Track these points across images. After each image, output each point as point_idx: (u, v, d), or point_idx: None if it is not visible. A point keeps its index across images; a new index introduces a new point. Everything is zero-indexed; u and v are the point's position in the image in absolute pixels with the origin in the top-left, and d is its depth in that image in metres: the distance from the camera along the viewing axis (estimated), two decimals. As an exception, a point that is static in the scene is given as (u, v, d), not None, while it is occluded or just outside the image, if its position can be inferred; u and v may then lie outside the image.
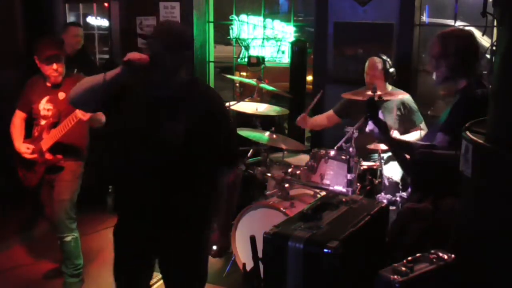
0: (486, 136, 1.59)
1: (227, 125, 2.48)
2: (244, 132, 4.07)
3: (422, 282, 1.69)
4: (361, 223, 2.19)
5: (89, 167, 3.79)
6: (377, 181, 3.66)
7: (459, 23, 4.82)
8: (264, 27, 5.91)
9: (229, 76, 5.23)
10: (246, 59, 5.64)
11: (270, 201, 3.63)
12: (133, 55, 2.27)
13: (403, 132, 4.00)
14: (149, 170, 2.40)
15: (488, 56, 2.46)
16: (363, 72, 4.14)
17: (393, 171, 3.83)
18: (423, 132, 3.86)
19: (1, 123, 3.86)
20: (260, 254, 2.19)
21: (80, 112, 3.33)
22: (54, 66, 3.50)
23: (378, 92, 3.64)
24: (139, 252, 2.63)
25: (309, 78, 5.32)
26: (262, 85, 4.32)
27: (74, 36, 5.17)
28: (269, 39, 5.98)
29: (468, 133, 1.65)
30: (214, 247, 2.61)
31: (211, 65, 5.93)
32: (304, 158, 4.08)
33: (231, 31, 6.08)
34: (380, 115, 2.76)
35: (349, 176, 3.44)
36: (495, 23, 1.74)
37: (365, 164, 3.74)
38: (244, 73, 7.30)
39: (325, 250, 1.95)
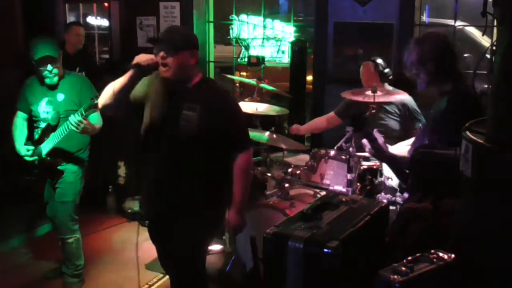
0: (486, 136, 1.59)
1: (236, 115, 2.72)
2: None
3: (422, 282, 1.69)
4: (361, 223, 2.19)
5: (90, 168, 3.79)
6: (377, 181, 3.65)
7: (459, 23, 4.82)
8: (264, 27, 5.91)
9: (229, 76, 5.23)
10: (246, 59, 5.64)
11: (270, 201, 3.63)
12: (140, 57, 2.52)
13: (404, 133, 3.99)
14: (167, 156, 2.65)
15: (488, 56, 2.45)
16: (361, 74, 4.15)
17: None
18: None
19: (1, 123, 3.86)
20: (260, 254, 2.19)
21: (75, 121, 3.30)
22: (49, 67, 3.42)
23: (378, 93, 3.66)
24: (158, 239, 2.90)
25: (309, 78, 5.32)
26: (262, 85, 4.31)
27: (76, 35, 5.18)
28: (269, 39, 5.98)
29: (468, 133, 1.65)
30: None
31: (211, 65, 5.93)
32: (304, 158, 4.08)
33: (231, 31, 6.08)
34: (376, 134, 2.74)
35: (349, 176, 3.44)
36: (495, 23, 1.74)
37: (365, 164, 3.73)
38: (244, 73, 7.30)
39: (325, 250, 1.95)
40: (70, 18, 6.51)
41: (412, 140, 3.93)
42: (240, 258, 3.68)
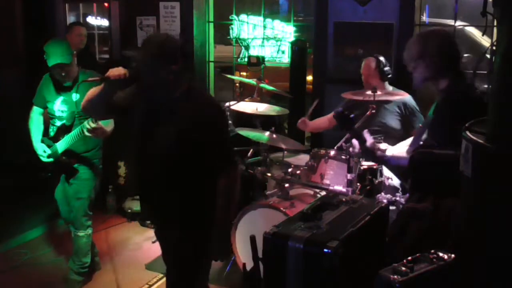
0: (486, 136, 1.59)
1: (218, 132, 2.55)
2: (244, 132, 4.07)
3: (422, 282, 1.69)
4: (361, 223, 2.19)
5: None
6: (377, 181, 3.65)
7: (459, 23, 4.82)
8: (264, 27, 5.91)
9: (229, 76, 5.23)
10: (246, 59, 5.64)
11: (270, 201, 3.63)
12: (112, 72, 2.45)
13: (404, 133, 3.99)
14: (150, 172, 2.59)
15: (488, 56, 2.45)
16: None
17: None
18: (424, 134, 3.84)
19: (2, 123, 3.87)
20: (260, 254, 2.19)
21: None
22: (62, 73, 3.51)
23: (378, 92, 3.66)
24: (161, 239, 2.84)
25: (309, 78, 5.32)
26: (262, 85, 4.31)
27: (78, 35, 5.19)
28: (269, 39, 5.98)
29: (468, 133, 1.65)
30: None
31: (211, 65, 5.92)
32: (304, 158, 4.08)
33: (231, 31, 6.08)
34: (366, 136, 2.74)
35: (349, 176, 3.44)
36: (495, 23, 1.74)
37: (365, 164, 3.73)
38: (244, 73, 7.30)
39: (325, 250, 1.95)
40: (70, 18, 6.50)
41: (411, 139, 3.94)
42: (240, 258, 3.68)
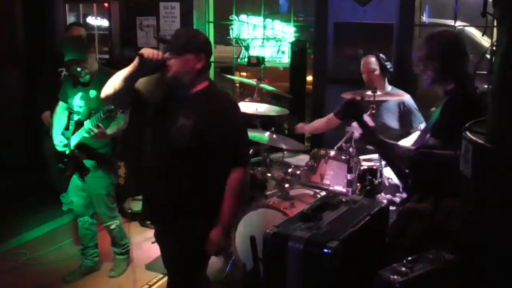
0: (486, 136, 1.59)
1: (235, 129, 2.58)
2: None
3: (422, 282, 1.69)
4: (361, 223, 2.19)
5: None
6: (377, 181, 3.65)
7: (459, 23, 4.82)
8: (264, 27, 5.91)
9: (229, 76, 5.23)
10: (246, 60, 5.64)
11: (270, 201, 3.63)
12: (146, 50, 2.47)
13: (403, 132, 3.99)
14: (161, 163, 2.59)
15: (488, 56, 2.45)
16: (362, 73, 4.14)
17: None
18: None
19: (2, 123, 3.87)
20: (260, 254, 2.19)
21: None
22: (78, 69, 3.57)
23: (378, 92, 3.66)
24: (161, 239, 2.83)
25: (309, 78, 5.32)
26: (262, 85, 4.31)
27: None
28: (269, 39, 5.98)
29: (468, 133, 1.65)
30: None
31: (211, 65, 5.92)
32: (304, 158, 4.08)
33: (231, 31, 6.08)
34: (366, 118, 2.70)
35: (349, 176, 3.44)
36: (495, 23, 1.74)
37: (365, 164, 3.73)
38: (244, 74, 7.30)
39: (325, 250, 1.95)
40: (70, 18, 6.50)
41: (410, 138, 3.95)
42: (240, 258, 3.68)
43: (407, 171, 2.67)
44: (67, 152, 3.73)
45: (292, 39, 5.75)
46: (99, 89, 3.56)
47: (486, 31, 2.21)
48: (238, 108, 2.72)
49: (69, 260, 4.15)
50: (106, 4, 6.20)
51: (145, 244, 4.53)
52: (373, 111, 3.64)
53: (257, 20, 5.98)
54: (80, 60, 3.55)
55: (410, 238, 2.37)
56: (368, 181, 3.68)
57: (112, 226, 3.90)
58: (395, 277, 1.66)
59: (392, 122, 4.01)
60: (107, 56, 6.36)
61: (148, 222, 4.85)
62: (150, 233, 4.71)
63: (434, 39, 2.57)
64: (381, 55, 4.07)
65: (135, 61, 2.49)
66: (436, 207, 2.33)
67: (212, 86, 2.65)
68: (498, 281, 1.55)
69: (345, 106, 2.79)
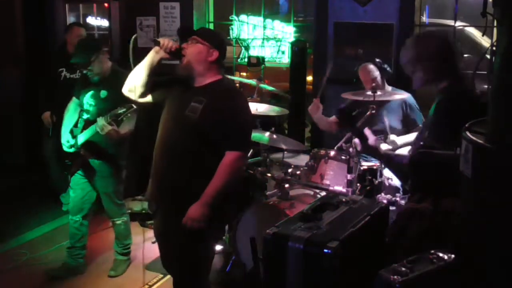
0: (486, 136, 1.59)
1: (240, 115, 2.67)
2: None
3: (422, 282, 1.69)
4: (361, 223, 2.19)
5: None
6: (377, 181, 3.65)
7: (459, 23, 4.82)
8: (264, 27, 5.91)
9: (229, 76, 5.23)
10: (246, 60, 5.64)
11: (270, 201, 3.62)
12: (162, 39, 2.65)
13: (405, 131, 3.99)
14: (173, 147, 2.68)
15: (488, 56, 2.45)
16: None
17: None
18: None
19: (2, 123, 3.87)
20: (260, 254, 2.19)
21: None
22: (84, 71, 3.63)
23: (378, 92, 3.66)
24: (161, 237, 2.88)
25: (309, 78, 5.32)
26: (262, 85, 4.31)
27: (76, 36, 5.18)
28: (269, 39, 5.99)
29: (468, 133, 1.65)
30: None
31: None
32: (304, 158, 4.08)
33: (231, 31, 6.08)
34: (367, 132, 2.70)
35: (349, 176, 3.44)
36: (495, 23, 1.74)
37: (365, 164, 3.73)
38: (244, 74, 7.30)
39: (325, 250, 1.95)
40: (70, 18, 6.50)
41: (410, 135, 3.95)
42: (240, 258, 3.68)
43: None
44: (73, 151, 3.75)
45: (292, 39, 5.75)
46: (109, 90, 3.61)
47: (486, 31, 2.21)
48: (244, 103, 2.77)
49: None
50: (106, 4, 6.20)
51: (145, 244, 4.52)
52: (373, 111, 3.64)
53: (257, 20, 5.99)
54: (84, 64, 3.60)
55: (410, 238, 2.37)
56: (368, 181, 3.68)
57: (119, 222, 3.96)
58: (395, 277, 1.67)
59: (396, 123, 4.00)
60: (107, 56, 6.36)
61: (149, 222, 4.86)
62: (150, 233, 4.70)
63: (421, 39, 2.56)
64: (377, 59, 4.06)
65: (153, 49, 2.66)
66: (436, 207, 2.33)
67: (224, 80, 2.77)
68: (498, 281, 1.55)
69: (340, 117, 2.81)
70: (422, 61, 2.50)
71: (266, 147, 4.08)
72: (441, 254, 1.75)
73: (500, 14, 1.59)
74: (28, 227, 4.68)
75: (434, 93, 2.64)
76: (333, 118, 4.29)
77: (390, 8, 4.59)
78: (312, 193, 3.73)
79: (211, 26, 5.83)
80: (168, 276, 3.71)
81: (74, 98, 3.84)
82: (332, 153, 3.70)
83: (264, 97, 5.84)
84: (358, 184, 3.59)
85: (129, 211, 5.03)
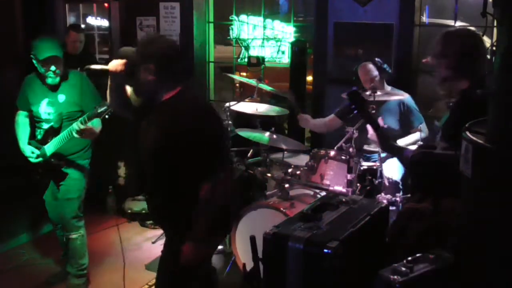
0: (486, 136, 1.59)
1: (195, 139, 2.35)
2: (244, 133, 4.07)
3: (422, 282, 1.69)
4: (361, 223, 2.19)
5: (92, 166, 3.79)
6: (377, 181, 3.65)
7: (459, 23, 4.81)
8: (264, 27, 5.91)
9: (229, 75, 5.23)
10: (246, 59, 5.64)
11: (270, 201, 3.63)
12: (111, 64, 2.57)
13: (403, 133, 4.00)
14: (144, 171, 2.57)
15: (488, 56, 2.44)
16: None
17: (393, 171, 3.83)
18: (422, 134, 3.85)
19: (2, 122, 3.86)
20: (260, 254, 2.19)
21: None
22: (52, 67, 3.39)
23: (378, 92, 3.66)
24: None
25: (309, 78, 5.32)
26: (262, 85, 4.31)
27: (71, 42, 5.21)
28: (269, 39, 5.99)
29: (468, 133, 1.65)
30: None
31: (211, 65, 5.92)
32: (304, 158, 4.08)
33: (231, 31, 6.08)
34: (380, 122, 2.69)
35: (349, 176, 3.44)
36: (495, 23, 1.74)
37: (365, 164, 3.73)
38: (244, 74, 7.31)
39: (325, 250, 1.95)
40: (70, 18, 6.50)
41: (409, 137, 3.96)
42: (240, 258, 3.68)
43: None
44: (42, 161, 3.57)
45: (292, 39, 5.75)
46: (68, 93, 3.48)
47: (486, 31, 2.21)
48: (197, 117, 2.43)
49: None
50: (106, 4, 6.20)
51: (145, 244, 4.53)
52: (373, 111, 3.64)
53: (257, 20, 5.98)
54: (59, 59, 3.39)
55: (410, 238, 2.37)
56: (368, 181, 3.68)
57: (74, 236, 3.66)
58: (395, 277, 1.67)
59: (393, 122, 4.01)
60: (107, 56, 6.36)
61: (148, 222, 4.86)
62: (150, 233, 4.72)
63: (449, 36, 2.53)
64: (376, 59, 4.06)
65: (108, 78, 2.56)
66: (436, 207, 2.33)
67: (179, 94, 2.46)
68: (498, 281, 1.55)
69: (351, 97, 2.73)
70: (444, 58, 2.47)
71: (266, 147, 4.08)
72: (441, 254, 1.75)
73: (500, 14, 1.59)
74: (28, 227, 4.68)
75: (436, 94, 2.62)
76: (331, 116, 4.30)
77: (390, 8, 4.59)
78: (312, 193, 3.74)
79: (211, 26, 5.84)
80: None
81: (19, 112, 3.64)
82: (332, 153, 3.70)
83: (264, 97, 5.85)
84: (358, 184, 3.60)
85: (129, 211, 5.04)
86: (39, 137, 3.59)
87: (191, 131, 2.36)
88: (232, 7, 5.89)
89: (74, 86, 3.55)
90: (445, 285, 1.74)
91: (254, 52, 5.99)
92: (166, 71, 2.40)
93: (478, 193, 1.60)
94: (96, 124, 3.44)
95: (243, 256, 3.65)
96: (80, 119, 3.35)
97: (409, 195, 3.25)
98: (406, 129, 4.02)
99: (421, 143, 3.58)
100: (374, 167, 3.71)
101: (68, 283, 3.75)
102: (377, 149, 3.64)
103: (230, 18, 6.00)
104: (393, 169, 3.83)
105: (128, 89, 2.66)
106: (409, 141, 3.89)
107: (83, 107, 3.52)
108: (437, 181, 2.37)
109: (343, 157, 3.59)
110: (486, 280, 1.59)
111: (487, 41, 3.12)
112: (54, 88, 3.51)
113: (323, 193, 3.57)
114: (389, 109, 4.03)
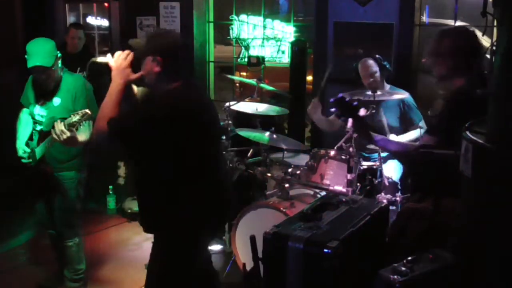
0: (486, 136, 1.59)
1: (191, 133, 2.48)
2: (244, 133, 4.07)
3: (422, 282, 1.69)
4: (361, 223, 2.19)
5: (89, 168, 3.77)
6: (377, 181, 3.65)
7: (459, 23, 4.81)
8: (264, 27, 5.91)
9: (229, 76, 5.23)
10: (246, 59, 5.64)
11: (270, 201, 3.62)
12: (115, 55, 2.56)
13: (403, 130, 4.00)
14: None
15: (488, 56, 2.44)
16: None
17: (393, 171, 3.83)
18: (422, 131, 3.86)
19: (2, 122, 3.86)
20: (260, 254, 2.19)
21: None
22: (43, 76, 3.29)
23: (378, 92, 3.66)
24: None
25: (309, 78, 5.32)
26: (262, 85, 4.31)
27: (71, 38, 5.19)
28: (269, 39, 5.99)
29: (468, 133, 1.65)
30: None
31: (211, 65, 5.93)
32: (304, 158, 4.08)
33: (231, 31, 6.08)
34: (383, 118, 2.68)
35: (349, 176, 3.43)
36: (495, 23, 1.74)
37: (365, 164, 3.73)
38: (244, 73, 7.31)
39: (325, 250, 1.95)
40: (70, 18, 6.50)
41: (409, 134, 3.96)
42: (240, 258, 3.68)
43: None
44: (32, 164, 3.42)
45: (292, 39, 5.75)
46: (63, 97, 3.33)
47: (486, 31, 2.21)
48: (157, 106, 2.49)
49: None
50: (106, 4, 6.21)
51: (145, 244, 4.52)
52: (373, 111, 3.64)
53: (257, 20, 5.98)
54: (46, 68, 3.22)
55: (410, 238, 2.37)
56: (368, 181, 3.68)
57: (70, 243, 3.58)
58: (395, 277, 1.67)
59: (393, 121, 4.01)
60: (107, 56, 6.36)
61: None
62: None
63: (445, 35, 2.53)
64: (377, 55, 4.06)
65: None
66: (436, 207, 2.33)
67: (177, 88, 2.52)
68: (498, 281, 1.55)
69: (337, 105, 2.71)
70: (440, 56, 2.48)
71: (266, 147, 4.08)
72: (441, 254, 1.75)
73: (500, 14, 1.60)
74: (28, 227, 4.68)
75: (435, 94, 2.62)
76: (332, 116, 4.29)
77: (390, 8, 4.59)
78: (312, 193, 3.73)
79: (211, 26, 5.84)
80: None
81: (23, 109, 3.54)
82: (332, 153, 3.70)
83: (264, 97, 5.85)
84: (358, 184, 3.60)
85: (129, 210, 5.04)
86: (34, 138, 3.49)
87: (145, 108, 2.52)
88: (232, 6, 5.89)
89: (70, 91, 3.41)
90: (445, 285, 1.74)
91: (254, 52, 5.99)
92: (172, 64, 2.50)
93: (478, 193, 1.61)
94: (82, 132, 3.25)
95: (243, 256, 3.65)
96: (66, 121, 3.18)
97: (409, 195, 3.25)
98: (407, 126, 4.03)
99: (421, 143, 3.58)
100: (374, 167, 3.71)
101: (64, 286, 3.71)
102: (377, 149, 3.64)
103: (230, 17, 6.00)
104: (391, 170, 3.84)
105: (135, 88, 2.70)
106: (410, 138, 3.90)
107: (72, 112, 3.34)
108: (437, 181, 2.37)
109: (343, 157, 3.59)
110: (486, 280, 1.59)
111: (487, 41, 3.12)
112: (52, 91, 3.40)
113: (323, 193, 3.56)
114: (389, 107, 4.03)
